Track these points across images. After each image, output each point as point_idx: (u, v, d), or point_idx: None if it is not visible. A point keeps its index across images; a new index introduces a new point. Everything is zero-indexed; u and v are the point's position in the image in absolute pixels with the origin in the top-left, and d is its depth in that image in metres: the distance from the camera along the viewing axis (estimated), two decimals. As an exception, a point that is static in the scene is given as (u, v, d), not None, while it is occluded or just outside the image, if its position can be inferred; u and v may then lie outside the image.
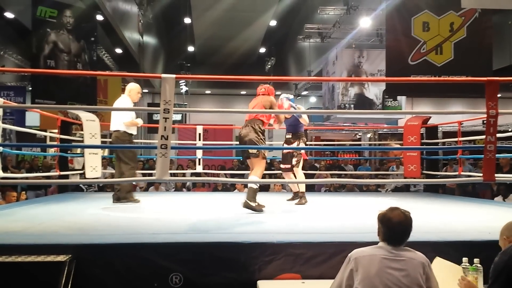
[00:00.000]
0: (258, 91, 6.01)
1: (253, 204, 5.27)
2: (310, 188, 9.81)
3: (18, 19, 14.96)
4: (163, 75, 3.89)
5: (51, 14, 12.06)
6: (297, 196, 6.48)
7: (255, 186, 5.36)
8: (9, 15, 14.75)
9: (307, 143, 7.95)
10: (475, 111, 5.18)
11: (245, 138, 5.44)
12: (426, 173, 8.08)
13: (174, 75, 3.91)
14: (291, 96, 6.76)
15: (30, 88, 14.39)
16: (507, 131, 9.35)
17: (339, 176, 10.69)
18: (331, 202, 5.46)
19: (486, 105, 3.97)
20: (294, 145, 6.35)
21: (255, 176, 5.35)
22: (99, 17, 13.29)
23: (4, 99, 8.22)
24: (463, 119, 8.14)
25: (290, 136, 6.52)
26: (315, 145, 12.42)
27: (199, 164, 8.45)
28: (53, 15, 12.11)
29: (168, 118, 3.84)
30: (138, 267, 3.33)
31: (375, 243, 2.68)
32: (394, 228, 2.59)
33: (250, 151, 5.39)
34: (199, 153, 8.60)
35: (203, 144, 8.71)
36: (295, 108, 6.65)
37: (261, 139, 5.48)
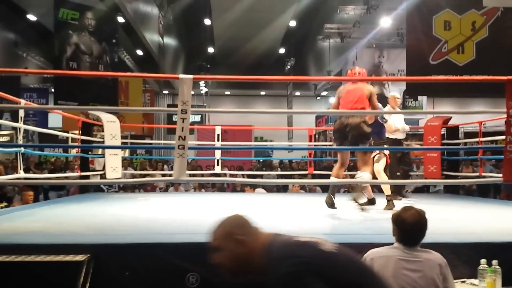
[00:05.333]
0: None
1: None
2: (327, 188, 9.77)
3: (40, 21, 15.21)
4: (181, 76, 3.91)
5: (73, 16, 12.22)
6: (370, 202, 5.98)
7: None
8: (31, 17, 15.01)
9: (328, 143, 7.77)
10: (495, 111, 5.11)
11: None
12: (446, 174, 7.98)
13: (191, 76, 3.93)
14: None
15: (53, 90, 14.60)
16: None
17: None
18: (349, 203, 5.44)
19: (507, 104, 3.91)
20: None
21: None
22: (120, 19, 13.43)
23: (27, 100, 8.31)
24: (485, 119, 8.02)
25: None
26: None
27: (218, 164, 8.48)
28: (75, 17, 12.26)
29: (185, 118, 3.85)
30: (155, 267, 3.35)
31: (392, 244, 2.66)
32: (408, 229, 2.57)
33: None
34: (218, 154, 8.61)
35: (222, 145, 8.72)
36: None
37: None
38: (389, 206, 5.64)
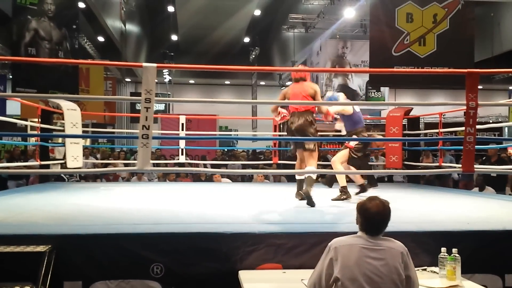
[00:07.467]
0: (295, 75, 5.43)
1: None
2: (293, 179, 9.84)
3: (-2, 6, 14.71)
4: (145, 64, 3.85)
5: (32, 1, 11.84)
6: (364, 189, 5.96)
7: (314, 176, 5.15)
8: (-11, 2, 14.49)
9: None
10: (455, 103, 5.21)
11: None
12: (407, 164, 8.13)
13: (155, 64, 3.87)
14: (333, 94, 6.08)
15: (11, 77, 14.18)
16: (488, 123, 9.42)
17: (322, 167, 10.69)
18: (314, 193, 5.48)
19: (466, 96, 3.99)
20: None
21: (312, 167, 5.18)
22: (81, 5, 13.13)
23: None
24: (445, 110, 8.19)
25: (345, 134, 6.03)
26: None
27: (182, 154, 8.43)
28: (34, 2, 11.90)
29: (149, 107, 3.80)
30: (119, 258, 3.31)
31: (356, 233, 2.70)
32: (372, 218, 2.61)
33: (307, 144, 5.20)
34: (182, 143, 8.56)
35: (186, 135, 8.66)
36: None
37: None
38: (339, 197, 5.72)
